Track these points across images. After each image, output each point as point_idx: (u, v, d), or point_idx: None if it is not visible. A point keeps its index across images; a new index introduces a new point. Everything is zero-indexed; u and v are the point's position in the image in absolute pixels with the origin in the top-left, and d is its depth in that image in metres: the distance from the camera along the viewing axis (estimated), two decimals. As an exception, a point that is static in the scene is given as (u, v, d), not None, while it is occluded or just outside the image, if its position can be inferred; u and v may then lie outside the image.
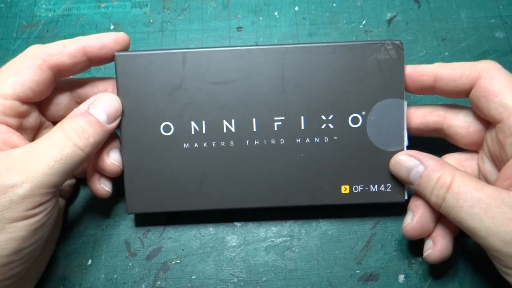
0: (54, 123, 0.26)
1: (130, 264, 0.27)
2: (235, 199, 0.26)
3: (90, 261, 0.27)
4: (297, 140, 0.26)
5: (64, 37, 0.34)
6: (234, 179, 0.26)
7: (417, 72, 0.25)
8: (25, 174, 0.21)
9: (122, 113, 0.25)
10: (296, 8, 0.35)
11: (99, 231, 0.28)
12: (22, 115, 0.24)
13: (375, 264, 0.27)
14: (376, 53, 0.25)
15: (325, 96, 0.26)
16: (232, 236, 0.28)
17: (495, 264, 0.22)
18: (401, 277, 0.27)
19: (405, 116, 0.26)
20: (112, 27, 0.35)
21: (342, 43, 0.26)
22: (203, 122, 0.26)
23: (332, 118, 0.26)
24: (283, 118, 0.26)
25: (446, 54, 0.33)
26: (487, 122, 0.24)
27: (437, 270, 0.27)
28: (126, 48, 0.26)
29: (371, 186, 0.26)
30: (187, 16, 0.35)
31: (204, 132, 0.26)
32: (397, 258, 0.27)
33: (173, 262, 0.27)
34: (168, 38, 0.34)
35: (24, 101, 0.23)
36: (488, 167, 0.25)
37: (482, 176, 0.25)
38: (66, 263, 0.27)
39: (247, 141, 0.26)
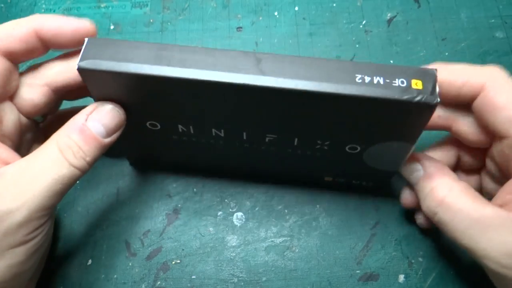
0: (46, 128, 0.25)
1: (130, 264, 0.27)
2: (224, 169, 0.29)
3: (90, 261, 0.27)
4: (288, 150, 0.25)
5: (64, 37, 0.34)
6: (223, 156, 0.27)
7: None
8: (21, 199, 0.19)
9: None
10: (296, 8, 0.35)
11: (99, 231, 0.28)
12: None
13: (375, 264, 0.27)
14: (406, 112, 0.20)
15: (325, 128, 0.23)
16: (232, 236, 0.28)
17: (491, 279, 0.21)
18: (401, 277, 0.27)
19: (407, 156, 0.24)
20: (112, 27, 0.35)
21: (363, 95, 0.20)
22: (191, 127, 0.24)
23: (328, 143, 0.24)
24: (275, 136, 0.24)
25: (446, 54, 0.33)
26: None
27: (437, 270, 0.27)
28: (92, 35, 0.22)
29: (353, 181, 0.28)
30: (187, 16, 0.35)
31: (192, 132, 0.25)
32: (397, 258, 0.27)
33: (173, 262, 0.27)
34: (168, 38, 0.34)
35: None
36: (491, 176, 0.24)
37: (485, 179, 0.25)
38: (66, 263, 0.27)
39: (237, 143, 0.25)
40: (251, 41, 0.34)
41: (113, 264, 0.27)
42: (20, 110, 0.23)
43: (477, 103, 0.21)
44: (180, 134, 0.25)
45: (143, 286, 0.27)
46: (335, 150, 0.24)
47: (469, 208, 0.20)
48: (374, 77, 0.20)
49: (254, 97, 0.21)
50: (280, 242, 0.28)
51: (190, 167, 0.30)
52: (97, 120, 0.21)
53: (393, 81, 0.20)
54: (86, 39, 0.21)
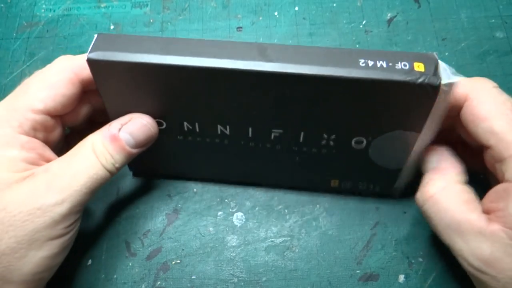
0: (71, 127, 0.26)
1: (130, 264, 0.27)
2: (227, 174, 0.28)
3: (90, 261, 0.27)
4: (294, 148, 0.25)
5: (64, 37, 0.34)
6: (227, 161, 0.27)
7: None
8: (65, 193, 0.21)
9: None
10: (296, 8, 0.35)
11: (99, 231, 0.28)
12: (49, 130, 0.24)
13: (375, 264, 0.27)
14: (409, 93, 0.21)
15: (331, 119, 0.23)
16: (232, 236, 0.28)
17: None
18: (401, 277, 0.27)
19: (412, 145, 0.23)
20: (112, 27, 0.35)
21: (367, 77, 0.20)
22: (196, 124, 0.25)
23: (334, 137, 0.24)
24: (281, 131, 0.24)
25: (446, 54, 0.33)
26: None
27: (437, 270, 0.27)
28: None
29: (359, 183, 0.27)
30: (187, 16, 0.35)
31: (197, 130, 0.25)
32: (397, 258, 0.27)
33: (173, 262, 0.27)
34: (168, 38, 0.34)
35: (53, 115, 0.23)
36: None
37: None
38: (66, 263, 0.27)
39: (242, 142, 0.25)
40: (251, 41, 0.34)
41: (113, 264, 0.27)
42: (63, 121, 0.25)
43: (462, 114, 0.22)
44: (185, 133, 0.25)
45: (143, 286, 0.27)
46: (341, 146, 0.24)
47: (455, 210, 0.21)
48: (377, 61, 0.21)
49: (260, 85, 0.21)
50: (280, 242, 0.28)
51: (192, 178, 0.29)
52: (129, 132, 0.23)
53: (396, 64, 0.20)
54: (95, 35, 0.22)
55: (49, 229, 0.21)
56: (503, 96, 0.21)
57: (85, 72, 0.23)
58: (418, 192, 0.23)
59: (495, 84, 0.22)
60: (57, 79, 0.23)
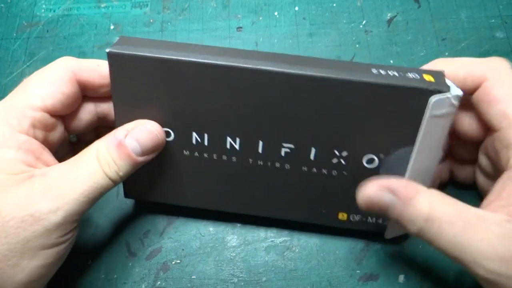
0: (78, 136, 0.26)
1: (130, 264, 0.27)
2: (230, 204, 0.26)
3: (90, 261, 0.27)
4: (303, 168, 0.24)
5: (64, 37, 0.34)
6: (232, 185, 0.25)
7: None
8: (60, 201, 0.20)
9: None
10: (296, 8, 0.35)
11: (99, 231, 0.28)
12: (49, 129, 0.23)
13: (375, 264, 0.27)
14: (416, 100, 0.21)
15: (343, 131, 0.22)
16: (232, 236, 0.28)
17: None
18: (401, 277, 0.27)
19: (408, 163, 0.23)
20: (112, 27, 0.35)
21: (382, 82, 0.21)
22: (205, 135, 0.24)
23: (346, 155, 0.23)
24: (292, 146, 0.23)
25: (446, 54, 0.33)
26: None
27: (437, 270, 0.27)
28: None
29: (369, 217, 0.25)
30: (187, 16, 0.35)
31: (206, 144, 0.24)
32: (397, 258, 0.27)
33: (173, 262, 0.27)
34: (168, 38, 0.34)
35: (53, 113, 0.23)
36: (484, 171, 0.24)
37: (478, 173, 0.25)
38: (66, 263, 0.27)
39: (251, 160, 0.24)
40: (251, 41, 0.34)
41: (113, 264, 0.27)
42: (66, 125, 0.25)
43: (476, 95, 0.22)
44: (193, 147, 0.24)
45: (143, 286, 0.27)
46: (353, 165, 0.23)
47: (455, 218, 0.19)
48: (388, 71, 0.21)
49: (275, 87, 0.22)
50: (280, 242, 0.28)
51: (190, 207, 0.27)
52: (136, 139, 0.22)
53: (407, 74, 0.21)
54: (118, 37, 0.23)
55: (42, 238, 0.20)
56: None
57: (85, 74, 0.23)
58: (413, 226, 0.20)
59: (510, 66, 0.22)
60: (56, 77, 0.22)
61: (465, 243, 0.19)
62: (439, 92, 0.20)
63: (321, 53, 0.33)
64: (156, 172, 0.25)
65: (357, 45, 0.34)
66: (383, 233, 0.26)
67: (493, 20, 0.34)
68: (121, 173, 0.22)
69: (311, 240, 0.28)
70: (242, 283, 0.27)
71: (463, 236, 0.19)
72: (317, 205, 0.25)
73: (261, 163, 0.24)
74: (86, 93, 0.24)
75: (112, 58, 0.22)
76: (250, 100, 0.22)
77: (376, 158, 0.23)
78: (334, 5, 0.35)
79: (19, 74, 0.33)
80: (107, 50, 0.22)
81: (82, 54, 0.34)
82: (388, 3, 0.35)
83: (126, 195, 0.27)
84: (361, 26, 0.34)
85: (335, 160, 0.24)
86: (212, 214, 0.28)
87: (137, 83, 0.23)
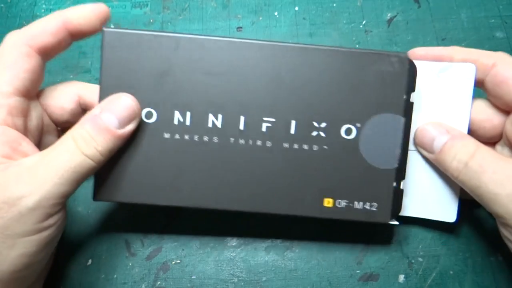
0: (63, 130, 0.26)
1: (130, 264, 0.27)
2: (210, 199, 0.25)
3: (90, 261, 0.27)
4: (284, 145, 0.24)
5: (64, 37, 0.34)
6: (212, 178, 0.24)
7: (432, 54, 0.25)
8: (33, 185, 0.20)
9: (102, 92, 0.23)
10: (296, 8, 0.35)
11: (99, 231, 0.28)
12: (26, 113, 0.23)
13: (375, 264, 0.27)
14: (379, 64, 0.24)
15: (320, 102, 0.24)
16: (232, 236, 0.28)
17: (505, 233, 0.22)
18: (401, 277, 0.27)
19: (401, 134, 0.24)
20: (112, 27, 0.35)
21: (345, 49, 0.24)
22: (188, 113, 0.24)
23: (324, 126, 0.24)
24: (273, 119, 0.24)
25: (446, 54, 0.33)
26: (507, 111, 0.24)
27: (437, 270, 0.27)
28: (106, 20, 0.24)
29: (355, 202, 0.25)
30: (187, 16, 0.35)
31: (187, 124, 0.24)
32: (397, 258, 0.27)
33: (173, 262, 0.27)
34: (168, 38, 0.34)
35: (25, 94, 0.22)
36: (508, 155, 0.25)
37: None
38: (66, 263, 0.27)
39: (232, 139, 0.24)
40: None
41: (113, 264, 0.27)
42: (46, 111, 0.24)
43: (489, 79, 0.23)
44: (174, 129, 0.24)
45: (143, 286, 0.27)
46: (332, 137, 0.24)
47: (498, 158, 0.21)
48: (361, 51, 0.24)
49: (253, 62, 0.24)
50: (280, 242, 0.28)
51: (168, 206, 0.25)
52: (110, 111, 0.22)
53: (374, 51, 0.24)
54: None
55: (19, 224, 0.19)
56: None
57: (39, 39, 0.22)
58: (456, 158, 0.22)
59: None
60: (12, 57, 0.22)
61: (505, 181, 0.21)
62: (397, 56, 0.24)
63: (321, 53, 0.33)
64: (132, 167, 0.24)
65: (357, 45, 0.34)
66: (371, 222, 0.25)
67: (493, 20, 0.34)
68: (99, 148, 0.21)
69: (311, 240, 0.28)
70: (242, 283, 0.27)
71: (504, 175, 0.21)
72: (301, 191, 0.25)
73: (243, 142, 0.24)
74: (48, 57, 0.23)
75: (107, 36, 0.23)
76: (231, 74, 0.24)
77: (354, 128, 0.24)
78: (334, 5, 0.35)
79: (19, 74, 0.33)
80: (103, 28, 0.23)
81: (82, 54, 0.34)
82: (388, 3, 0.35)
83: (95, 197, 0.24)
84: (361, 26, 0.34)
85: (314, 133, 0.24)
86: (212, 214, 0.28)
87: (126, 63, 0.23)
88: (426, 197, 0.26)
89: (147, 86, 0.24)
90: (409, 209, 0.26)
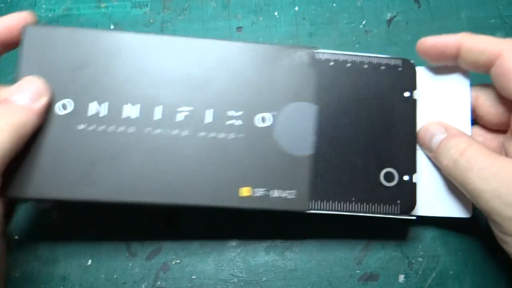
0: None
1: (130, 264, 0.27)
2: (125, 192, 0.23)
3: (90, 261, 0.27)
4: (200, 134, 0.24)
5: (64, 37, 0.34)
6: (127, 170, 0.24)
7: (441, 41, 0.25)
8: None
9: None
10: (296, 8, 0.35)
11: (99, 231, 0.28)
12: None
13: (375, 264, 0.27)
14: (289, 58, 0.25)
15: (237, 92, 0.25)
16: (232, 236, 0.28)
17: (495, 232, 0.22)
18: (401, 277, 0.27)
19: (313, 121, 0.25)
20: (112, 27, 0.35)
21: (259, 44, 0.26)
22: (104, 104, 0.24)
23: (241, 114, 0.25)
24: (190, 108, 0.24)
25: (446, 54, 0.33)
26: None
27: (437, 270, 0.27)
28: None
29: (273, 190, 0.24)
30: (187, 16, 0.35)
31: (103, 114, 0.24)
32: (397, 258, 0.27)
33: (173, 262, 0.27)
34: (168, 38, 0.34)
35: None
36: None
37: (506, 155, 0.26)
38: (66, 263, 0.27)
39: (148, 129, 0.24)
40: (251, 41, 0.34)
41: (113, 264, 0.27)
42: None
43: (494, 69, 0.23)
44: (89, 120, 0.24)
45: (143, 286, 0.27)
46: (248, 125, 0.24)
47: (486, 156, 0.22)
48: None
49: (168, 54, 0.25)
50: (280, 242, 0.28)
51: (82, 203, 0.26)
52: (18, 91, 0.22)
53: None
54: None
55: None
56: None
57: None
58: (447, 155, 0.23)
59: None
60: None
61: (490, 178, 0.21)
62: (306, 50, 0.25)
63: (321, 53, 0.33)
64: (43, 161, 0.23)
65: (357, 45, 0.34)
66: (288, 211, 0.24)
67: (493, 20, 0.34)
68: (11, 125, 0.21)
69: (311, 240, 0.28)
70: (242, 283, 0.27)
71: (490, 172, 0.21)
72: (217, 181, 0.24)
73: (159, 131, 0.24)
74: None
75: (27, 33, 0.24)
76: (149, 67, 0.25)
77: (269, 116, 0.25)
78: (334, 5, 0.35)
79: (19, 74, 0.33)
80: (24, 26, 0.24)
81: (82, 54, 0.34)
82: (388, 3, 0.35)
83: (5, 193, 0.22)
84: (361, 26, 0.34)
85: (231, 122, 0.25)
86: (211, 213, 0.28)
87: (45, 58, 0.24)
88: (440, 195, 0.26)
89: (65, 79, 0.24)
90: (423, 208, 0.25)
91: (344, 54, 0.26)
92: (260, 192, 0.24)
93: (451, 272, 0.27)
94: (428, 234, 0.28)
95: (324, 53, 0.26)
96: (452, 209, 0.25)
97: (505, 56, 0.23)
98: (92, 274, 0.27)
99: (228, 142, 0.24)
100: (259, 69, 0.25)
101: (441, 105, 0.26)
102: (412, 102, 0.25)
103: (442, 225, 0.26)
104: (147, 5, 0.36)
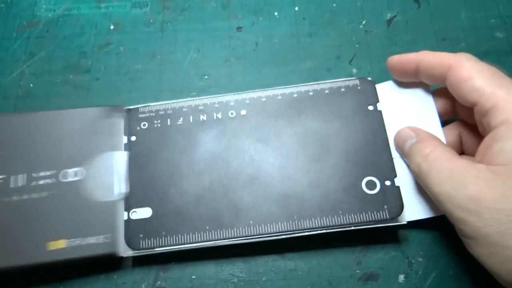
0: None
1: (130, 264, 0.27)
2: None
3: (90, 261, 0.27)
4: (9, 198, 0.25)
5: (64, 37, 0.34)
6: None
7: (402, 61, 0.27)
8: None
9: None
10: (296, 8, 0.35)
11: (99, 231, 0.28)
12: None
13: (375, 264, 0.27)
14: (100, 116, 0.28)
15: (51, 153, 0.27)
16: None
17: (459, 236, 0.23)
18: (401, 277, 0.27)
19: (125, 166, 0.27)
20: (112, 27, 0.35)
21: (70, 110, 0.28)
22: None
23: (52, 173, 0.26)
24: (3, 176, 0.26)
25: (446, 54, 0.33)
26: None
27: (437, 270, 0.27)
28: None
29: (89, 238, 0.25)
30: (187, 16, 0.35)
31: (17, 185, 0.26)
32: (397, 258, 0.27)
33: (173, 262, 0.27)
34: (168, 38, 0.34)
35: None
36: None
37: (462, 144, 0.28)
38: (66, 263, 0.27)
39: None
40: (251, 41, 0.34)
41: (113, 264, 0.27)
42: None
43: (447, 81, 0.25)
44: None
45: (143, 286, 0.27)
46: (60, 182, 0.26)
47: (445, 160, 0.23)
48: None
49: None
50: (275, 239, 0.28)
51: None
52: None
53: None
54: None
55: None
56: (481, 62, 0.24)
57: None
58: (413, 160, 0.24)
59: (475, 58, 0.24)
60: None
61: (445, 181, 0.22)
62: (115, 108, 0.28)
63: (321, 53, 0.33)
64: None
65: (357, 45, 0.34)
66: (106, 255, 0.25)
67: (493, 20, 0.34)
68: None
69: (311, 240, 0.28)
70: (242, 283, 0.27)
71: (445, 175, 0.22)
72: (26, 239, 0.25)
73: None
74: None
75: None
76: None
77: (79, 170, 0.26)
78: (334, 5, 0.35)
79: (19, 74, 0.33)
80: None
81: (82, 54, 0.34)
82: (388, 3, 0.35)
83: None
84: (361, 26, 0.34)
85: (42, 182, 0.26)
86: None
87: None
88: (425, 197, 0.26)
89: None
90: (411, 213, 0.26)
91: (304, 85, 0.28)
92: (76, 242, 0.25)
93: (451, 272, 0.27)
94: (428, 234, 0.28)
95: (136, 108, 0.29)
96: (437, 208, 0.26)
97: (454, 67, 0.24)
98: (92, 274, 0.27)
99: (40, 201, 0.26)
100: (78, 131, 0.27)
101: (411, 112, 0.28)
102: (378, 113, 0.27)
103: (442, 225, 0.26)
104: (147, 5, 0.36)
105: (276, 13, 0.35)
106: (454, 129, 0.28)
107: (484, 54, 0.33)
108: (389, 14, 0.35)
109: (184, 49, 0.34)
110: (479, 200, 0.20)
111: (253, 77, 0.33)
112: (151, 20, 0.35)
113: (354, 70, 0.33)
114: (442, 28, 0.34)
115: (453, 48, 0.33)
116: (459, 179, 0.21)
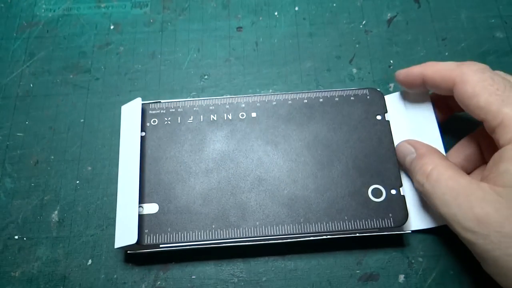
0: None
1: (130, 264, 0.27)
2: None
3: (90, 261, 0.27)
4: None
5: (64, 37, 0.34)
6: None
7: (408, 75, 0.27)
8: None
9: None
10: (296, 8, 0.35)
11: (99, 231, 0.28)
12: None
13: (375, 264, 0.27)
14: None
15: None
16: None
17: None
18: (401, 277, 0.27)
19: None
20: (112, 27, 0.35)
21: None
22: None
23: None
24: None
25: (446, 54, 0.33)
26: None
27: (437, 270, 0.27)
28: None
29: None
30: (187, 16, 0.35)
31: None
32: (397, 258, 0.27)
33: (173, 262, 0.27)
34: (168, 38, 0.34)
35: None
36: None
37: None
38: (66, 263, 0.27)
39: None
40: (251, 41, 0.34)
41: (113, 264, 0.27)
42: None
43: (454, 96, 0.25)
44: None
45: (143, 286, 0.27)
46: None
47: (448, 179, 0.23)
48: None
49: None
50: (280, 242, 0.28)
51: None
52: None
53: None
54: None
55: None
56: (485, 74, 0.23)
57: None
58: (415, 178, 0.25)
59: (481, 66, 0.24)
60: None
61: (451, 203, 0.22)
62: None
63: (321, 53, 0.33)
64: None
65: (357, 45, 0.34)
66: None
67: (493, 20, 0.34)
68: None
69: (311, 240, 0.28)
70: (242, 283, 0.27)
71: (451, 196, 0.22)
72: None
73: None
74: None
75: None
76: None
77: None
78: (334, 5, 0.35)
79: (19, 74, 0.33)
80: None
81: (82, 54, 0.34)
82: (388, 3, 0.35)
83: None
84: (361, 26, 0.34)
85: None
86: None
87: None
88: (430, 207, 0.27)
89: None
90: (415, 222, 0.27)
91: (315, 92, 0.29)
92: None
93: (451, 272, 0.27)
94: (428, 234, 0.28)
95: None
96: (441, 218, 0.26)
97: (458, 83, 0.24)
98: (92, 274, 0.27)
99: None
100: None
101: (413, 122, 0.28)
102: (386, 123, 0.28)
103: (442, 225, 0.26)
104: (147, 5, 0.36)
105: (276, 13, 0.35)
106: (471, 140, 0.27)
107: (484, 54, 0.33)
108: (389, 14, 0.35)
109: (184, 49, 0.34)
110: (486, 224, 0.20)
111: (253, 77, 0.33)
112: (151, 20, 0.35)
113: (354, 70, 0.33)
114: (442, 28, 0.34)
115: (453, 48, 0.33)
116: (465, 201, 0.21)
